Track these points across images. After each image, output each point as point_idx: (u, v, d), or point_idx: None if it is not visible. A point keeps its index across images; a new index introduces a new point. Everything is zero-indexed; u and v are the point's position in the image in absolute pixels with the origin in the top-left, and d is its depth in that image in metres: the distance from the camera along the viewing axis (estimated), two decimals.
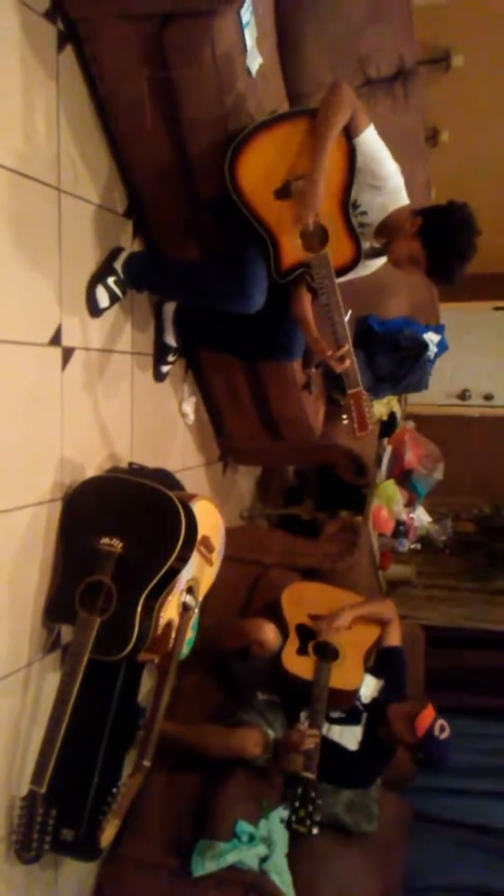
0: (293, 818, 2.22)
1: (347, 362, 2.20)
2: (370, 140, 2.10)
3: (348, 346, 2.19)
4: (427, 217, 2.16)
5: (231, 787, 2.45)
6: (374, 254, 2.35)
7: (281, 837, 2.45)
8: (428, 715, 2.48)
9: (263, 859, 2.36)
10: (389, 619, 2.87)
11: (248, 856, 2.32)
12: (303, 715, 2.56)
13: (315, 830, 2.21)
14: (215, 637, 2.73)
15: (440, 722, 2.48)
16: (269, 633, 2.64)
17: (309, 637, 2.71)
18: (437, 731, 2.45)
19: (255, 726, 2.49)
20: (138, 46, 2.03)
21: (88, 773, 2.23)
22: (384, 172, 2.16)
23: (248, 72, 2.13)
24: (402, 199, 2.23)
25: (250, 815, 2.41)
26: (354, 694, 2.64)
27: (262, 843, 2.39)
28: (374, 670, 2.76)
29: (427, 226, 2.14)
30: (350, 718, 2.63)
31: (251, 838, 2.36)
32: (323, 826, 2.32)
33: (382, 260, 2.36)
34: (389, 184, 2.18)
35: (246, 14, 2.00)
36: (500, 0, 3.62)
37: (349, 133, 2.06)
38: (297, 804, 2.22)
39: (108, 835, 2.06)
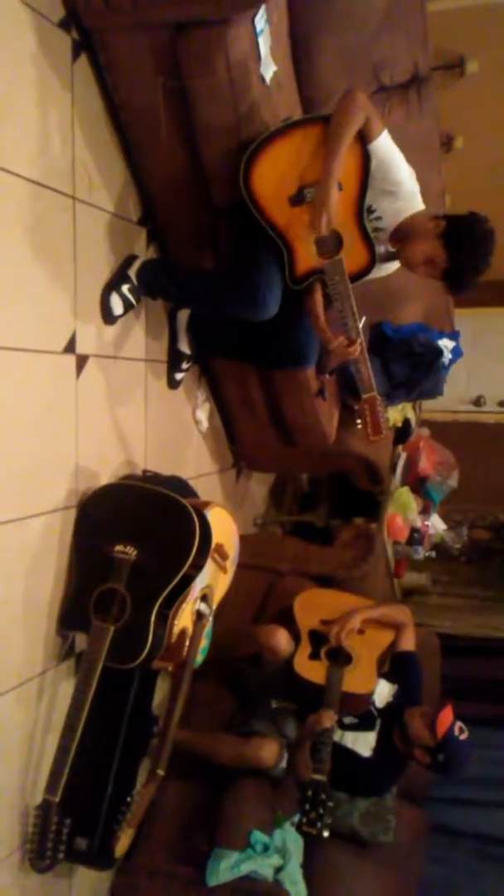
0: (303, 820, 2.18)
1: (357, 349, 2.19)
2: (384, 146, 2.10)
3: (361, 344, 2.20)
4: (451, 221, 2.16)
5: (245, 797, 2.44)
6: (388, 258, 2.35)
7: (296, 847, 2.44)
8: (447, 716, 2.45)
9: (278, 869, 2.35)
10: (404, 624, 2.85)
11: (263, 865, 2.31)
12: None
13: (325, 833, 2.16)
14: (228, 644, 2.72)
15: (459, 723, 2.45)
16: (281, 638, 2.63)
17: (322, 642, 2.69)
18: (456, 732, 2.42)
19: (269, 736, 2.48)
20: (152, 55, 2.03)
21: (103, 782, 2.22)
22: (399, 177, 2.16)
23: (263, 80, 2.13)
24: (418, 204, 2.23)
25: (264, 824, 2.40)
26: (368, 698, 2.62)
27: (277, 853, 2.38)
28: (388, 675, 2.73)
29: (451, 229, 2.15)
30: (363, 724, 2.61)
31: (265, 848, 2.35)
32: (338, 836, 2.30)
33: (396, 264, 2.36)
34: (404, 189, 2.18)
35: (260, 22, 2.01)
36: None
37: (363, 139, 2.06)
38: (307, 806, 2.20)
39: (122, 844, 2.05)
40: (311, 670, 2.59)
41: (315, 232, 2.11)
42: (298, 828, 2.22)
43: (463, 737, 2.43)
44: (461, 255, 2.15)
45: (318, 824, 2.14)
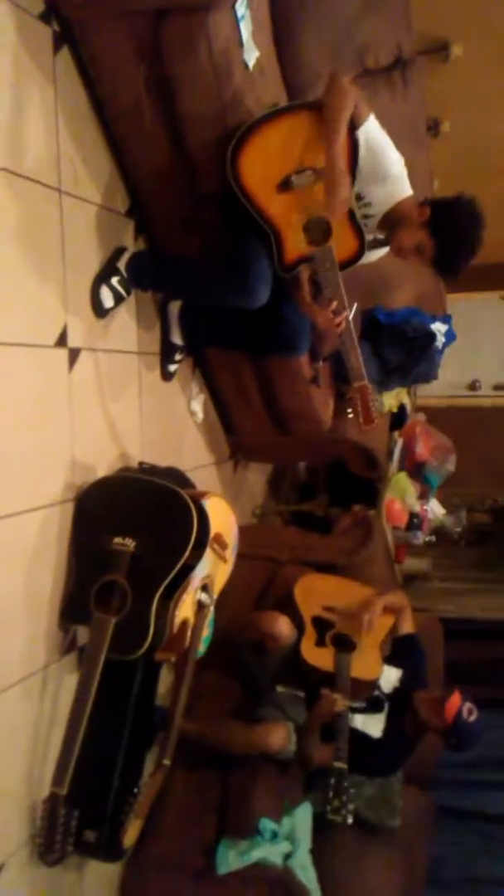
0: (328, 808, 2.21)
1: (342, 321, 2.18)
2: (372, 130, 2.09)
3: (346, 313, 2.19)
4: (436, 208, 2.16)
5: (253, 784, 2.45)
6: (378, 244, 2.34)
7: (305, 833, 2.45)
8: (455, 700, 2.48)
9: (287, 856, 2.36)
10: (402, 607, 2.87)
11: (272, 852, 2.32)
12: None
13: (350, 820, 2.21)
14: (230, 632, 2.72)
15: (468, 705, 2.47)
16: (283, 626, 2.64)
17: (325, 628, 2.70)
18: (465, 715, 2.45)
19: (276, 721, 2.49)
20: (134, 44, 2.02)
21: (109, 774, 2.23)
22: (387, 162, 2.15)
23: (245, 65, 2.11)
24: (406, 189, 2.22)
25: (273, 811, 2.41)
26: (374, 683, 2.64)
27: (286, 839, 2.39)
28: (391, 659, 2.75)
29: (436, 216, 2.15)
30: (372, 707, 2.63)
31: (274, 835, 2.36)
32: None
33: (385, 249, 2.35)
34: (392, 173, 2.17)
35: (241, 8, 2.00)
36: None
37: (352, 124, 2.05)
38: (330, 794, 2.22)
39: (130, 835, 2.06)
40: (319, 657, 2.60)
41: (335, 216, 2.09)
42: (322, 817, 2.24)
43: (472, 718, 2.46)
44: (448, 241, 2.15)
45: (343, 811, 2.17)
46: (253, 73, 2.16)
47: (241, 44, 2.06)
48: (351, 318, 2.22)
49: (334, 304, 2.17)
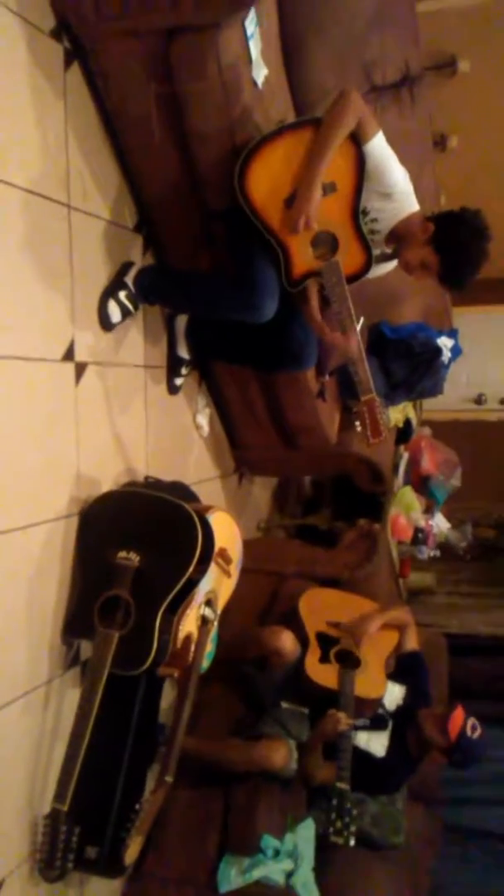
0: (331, 830, 2.18)
1: (354, 342, 2.19)
2: (379, 147, 2.10)
3: (357, 335, 2.20)
4: (439, 223, 2.17)
5: (255, 801, 2.43)
6: (385, 259, 2.35)
7: (307, 852, 2.43)
8: (458, 716, 2.46)
9: (290, 874, 2.34)
10: (407, 623, 2.85)
11: (275, 870, 2.30)
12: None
13: (352, 841, 2.19)
14: (234, 647, 2.71)
15: (471, 721, 2.46)
16: (286, 641, 2.62)
17: (329, 644, 2.69)
18: (469, 732, 2.44)
19: (278, 738, 2.47)
20: (144, 62, 2.04)
21: (111, 790, 2.21)
22: (393, 179, 2.16)
23: (254, 83, 2.13)
24: (412, 205, 2.23)
25: (276, 828, 2.39)
26: (379, 702, 2.62)
27: (289, 857, 2.37)
28: (395, 676, 2.73)
29: (440, 232, 2.15)
30: (375, 725, 2.61)
31: (277, 853, 2.34)
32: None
33: (393, 264, 2.36)
34: (398, 190, 2.18)
35: (250, 26, 2.01)
36: None
37: (358, 140, 2.06)
38: (333, 816, 2.19)
39: (132, 852, 2.04)
40: (323, 675, 2.58)
41: (293, 231, 2.11)
42: (325, 838, 2.22)
43: (476, 734, 2.45)
44: (454, 255, 2.16)
45: (346, 833, 2.15)
46: (262, 90, 2.17)
47: (250, 61, 2.07)
48: (358, 331, 2.22)
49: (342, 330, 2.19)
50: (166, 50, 1.98)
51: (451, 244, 2.15)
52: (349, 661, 2.63)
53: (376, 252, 2.27)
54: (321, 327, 2.33)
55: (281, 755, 2.42)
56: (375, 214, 2.23)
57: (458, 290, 2.30)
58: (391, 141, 2.12)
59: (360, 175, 2.11)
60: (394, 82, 2.81)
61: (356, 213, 2.15)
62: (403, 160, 2.17)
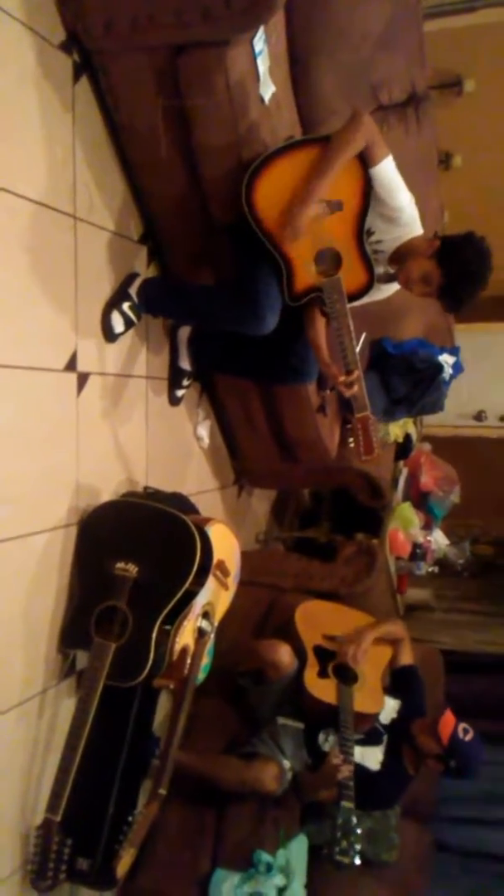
0: (336, 849, 2.12)
1: (356, 388, 2.21)
2: (386, 171, 2.11)
3: (358, 373, 2.21)
4: (446, 240, 2.18)
5: (248, 816, 2.42)
6: (388, 279, 2.36)
7: (299, 867, 2.41)
8: (448, 719, 2.45)
9: (282, 889, 2.32)
10: (401, 638, 2.85)
11: (267, 885, 2.28)
12: (321, 737, 2.52)
13: (358, 861, 2.14)
14: (230, 661, 2.70)
15: (462, 725, 2.44)
16: (283, 654, 2.62)
17: (327, 658, 2.68)
18: (461, 735, 2.42)
19: (271, 759, 2.46)
20: (152, 76, 2.06)
21: (104, 802, 2.20)
22: (399, 204, 2.17)
23: (262, 100, 2.15)
24: (417, 229, 2.25)
25: (268, 844, 2.38)
26: (376, 717, 2.61)
27: (281, 872, 2.35)
28: (390, 690, 2.72)
29: (445, 248, 2.17)
30: (370, 739, 2.60)
31: (269, 868, 2.33)
32: None
33: (396, 286, 2.37)
34: (404, 215, 2.20)
35: (259, 43, 2.03)
36: None
37: (366, 163, 2.07)
38: (338, 835, 2.15)
39: (124, 864, 2.03)
40: (323, 689, 2.57)
41: (282, 243, 2.12)
42: (330, 858, 2.16)
43: (468, 738, 2.43)
44: (455, 274, 2.17)
45: (351, 853, 2.11)
46: (269, 107, 2.19)
47: (257, 78, 2.09)
48: (358, 349, 2.23)
49: (354, 375, 2.19)
50: (175, 65, 2.00)
51: (454, 260, 2.17)
52: (347, 676, 2.62)
53: (379, 271, 2.29)
54: (329, 367, 2.33)
55: (273, 777, 2.40)
56: (380, 236, 2.24)
57: (454, 310, 2.31)
58: (397, 160, 2.13)
59: (366, 196, 2.13)
60: (400, 102, 2.83)
61: (360, 232, 2.17)
62: (408, 179, 2.18)
